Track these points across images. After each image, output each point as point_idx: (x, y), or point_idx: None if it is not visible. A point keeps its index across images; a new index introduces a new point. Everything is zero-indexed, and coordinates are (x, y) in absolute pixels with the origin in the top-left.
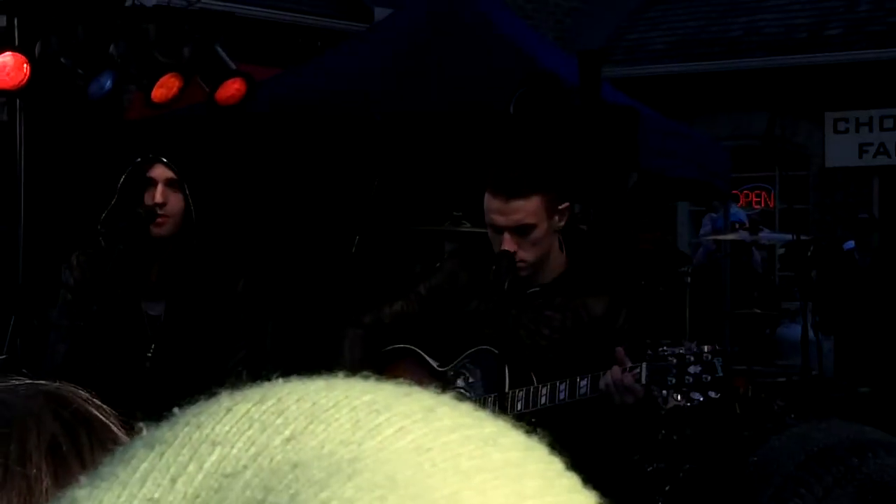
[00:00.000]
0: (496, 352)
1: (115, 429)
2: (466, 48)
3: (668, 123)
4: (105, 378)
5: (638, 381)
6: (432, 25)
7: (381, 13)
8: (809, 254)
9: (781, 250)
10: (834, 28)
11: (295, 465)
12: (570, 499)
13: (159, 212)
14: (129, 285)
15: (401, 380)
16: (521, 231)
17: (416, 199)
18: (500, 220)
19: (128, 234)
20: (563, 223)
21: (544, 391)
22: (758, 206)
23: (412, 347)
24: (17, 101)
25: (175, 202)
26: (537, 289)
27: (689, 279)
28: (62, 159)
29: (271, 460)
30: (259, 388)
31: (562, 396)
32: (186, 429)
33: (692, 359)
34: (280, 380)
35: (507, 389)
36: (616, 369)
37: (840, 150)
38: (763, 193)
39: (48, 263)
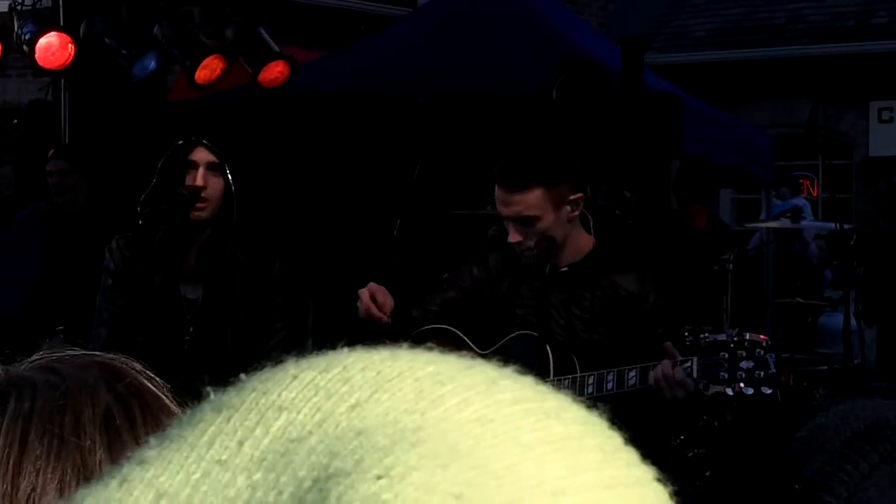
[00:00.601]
0: (537, 336)
1: (167, 401)
2: (509, 34)
3: (710, 111)
4: (144, 360)
5: (689, 375)
6: (475, 11)
7: None
8: (852, 243)
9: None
10: (880, 17)
11: (359, 432)
12: (628, 473)
13: (202, 195)
14: (167, 268)
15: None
16: (524, 222)
17: (458, 182)
18: (504, 210)
19: (170, 215)
20: (576, 213)
21: (591, 381)
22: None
23: (452, 329)
24: (62, 81)
25: (215, 185)
26: (566, 269)
27: (730, 266)
28: (105, 140)
29: (336, 426)
30: (324, 356)
31: (609, 387)
32: (253, 394)
33: (744, 354)
34: (345, 349)
35: (551, 377)
36: (666, 363)
37: (884, 140)
38: (806, 182)
39: (92, 244)
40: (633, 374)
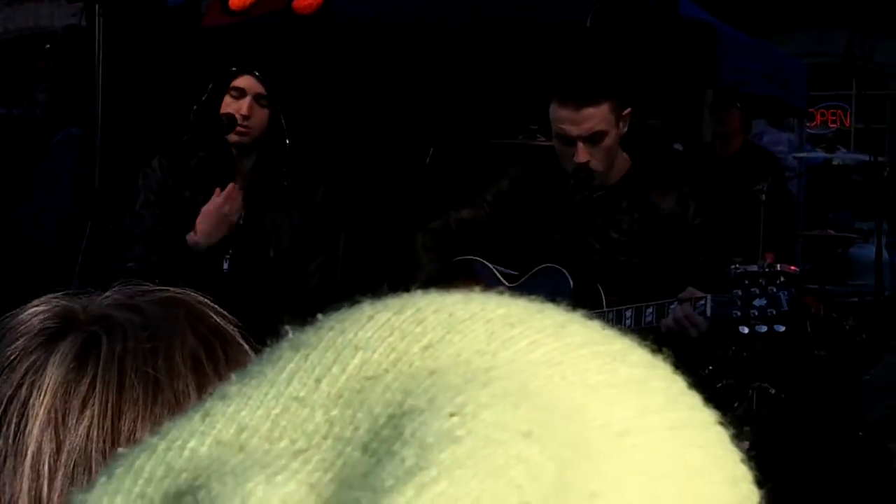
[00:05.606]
0: (564, 271)
1: (240, 339)
2: None
3: (746, 40)
4: (184, 279)
5: (702, 314)
6: None
7: None
8: (885, 174)
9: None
10: None
11: (433, 372)
12: (691, 415)
13: (244, 123)
14: (209, 189)
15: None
16: (594, 139)
17: (492, 111)
18: (572, 129)
19: (209, 139)
20: (626, 130)
21: (611, 316)
22: (834, 125)
23: (481, 260)
24: (96, 7)
25: (260, 116)
26: (602, 192)
27: (763, 196)
28: (139, 66)
29: (410, 366)
30: (398, 298)
31: (628, 324)
32: (330, 333)
33: (757, 291)
34: (419, 291)
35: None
36: (685, 305)
37: None
38: (839, 112)
39: (124, 169)
40: (650, 310)
